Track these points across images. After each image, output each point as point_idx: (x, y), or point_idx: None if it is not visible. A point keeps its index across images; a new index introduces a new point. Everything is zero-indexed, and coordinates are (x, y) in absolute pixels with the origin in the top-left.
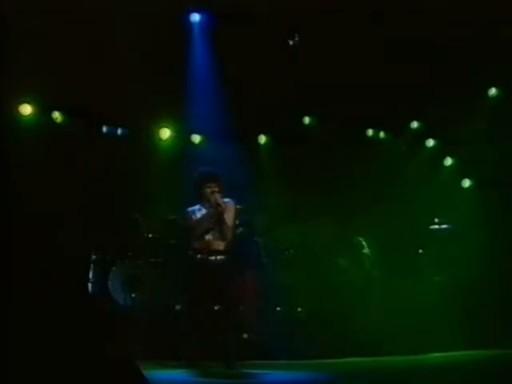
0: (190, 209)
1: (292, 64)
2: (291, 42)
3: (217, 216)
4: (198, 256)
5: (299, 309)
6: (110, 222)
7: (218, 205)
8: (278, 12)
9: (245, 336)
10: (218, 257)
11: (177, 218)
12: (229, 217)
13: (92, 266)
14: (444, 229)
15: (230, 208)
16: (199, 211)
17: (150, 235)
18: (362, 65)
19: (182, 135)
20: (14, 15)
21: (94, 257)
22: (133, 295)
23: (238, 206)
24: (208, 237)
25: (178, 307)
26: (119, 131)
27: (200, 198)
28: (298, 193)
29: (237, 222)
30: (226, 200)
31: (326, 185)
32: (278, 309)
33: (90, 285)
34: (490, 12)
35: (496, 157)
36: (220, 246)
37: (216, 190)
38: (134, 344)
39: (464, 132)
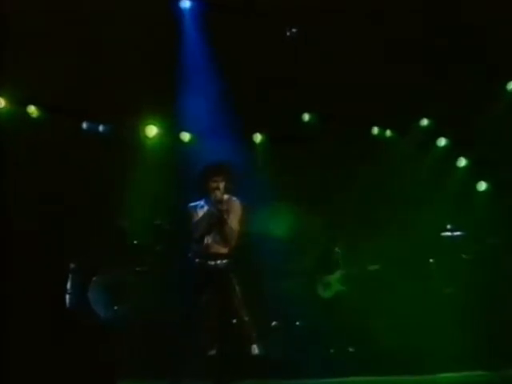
0: (192, 204)
1: (291, 57)
2: (289, 33)
3: (217, 216)
4: (197, 260)
5: (297, 323)
6: (91, 226)
7: (218, 203)
8: (277, 11)
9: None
10: (219, 261)
11: (163, 223)
12: (233, 218)
13: (70, 275)
14: (457, 236)
15: (234, 207)
16: (201, 208)
17: (136, 241)
18: (365, 61)
19: (171, 133)
20: None
21: (72, 265)
22: (115, 308)
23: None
24: (207, 240)
25: (166, 319)
26: (101, 128)
27: (205, 194)
28: (296, 196)
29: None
30: (232, 198)
31: (326, 188)
32: (274, 323)
33: (67, 297)
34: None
35: None
36: (221, 250)
37: (221, 185)
38: (117, 362)
39: (479, 130)
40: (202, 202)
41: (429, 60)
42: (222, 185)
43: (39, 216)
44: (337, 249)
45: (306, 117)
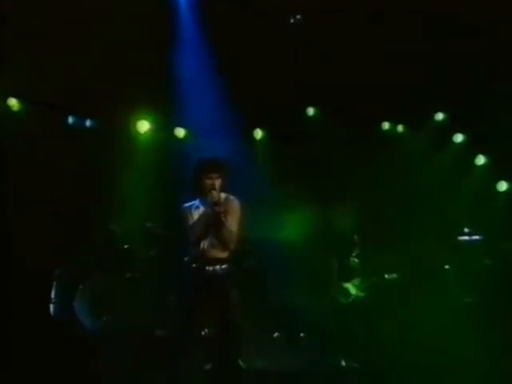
0: (186, 205)
1: (294, 50)
2: (293, 20)
3: (214, 218)
4: (193, 265)
5: (302, 334)
6: (76, 229)
7: (216, 204)
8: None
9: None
10: (217, 266)
11: (156, 226)
12: (232, 219)
13: (54, 282)
14: (475, 240)
15: (233, 208)
16: (196, 209)
17: (126, 245)
18: (374, 56)
19: (164, 128)
20: None
21: (56, 272)
22: (104, 318)
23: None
24: (203, 244)
25: (158, 332)
26: (88, 122)
27: (199, 192)
28: (299, 197)
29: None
30: (230, 198)
31: (332, 188)
32: (276, 334)
33: (51, 306)
34: None
35: None
36: (219, 255)
37: (217, 183)
38: (104, 376)
39: (499, 125)
40: (196, 202)
41: (444, 53)
42: (218, 182)
43: (19, 218)
44: (354, 255)
45: (311, 111)
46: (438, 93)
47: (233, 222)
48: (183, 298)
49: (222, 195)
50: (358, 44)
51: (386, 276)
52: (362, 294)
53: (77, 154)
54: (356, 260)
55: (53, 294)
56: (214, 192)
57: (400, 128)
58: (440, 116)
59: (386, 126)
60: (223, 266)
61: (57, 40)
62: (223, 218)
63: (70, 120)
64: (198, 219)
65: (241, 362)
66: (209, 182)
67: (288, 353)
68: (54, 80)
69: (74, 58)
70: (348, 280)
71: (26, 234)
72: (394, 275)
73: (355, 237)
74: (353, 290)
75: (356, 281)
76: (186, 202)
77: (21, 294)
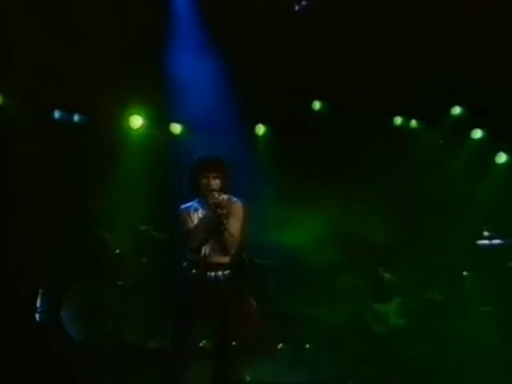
0: (184, 207)
1: (299, 37)
2: (297, 7)
3: (215, 222)
4: (193, 271)
5: (307, 345)
6: (64, 233)
7: (217, 206)
8: None
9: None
10: (220, 272)
11: (150, 229)
12: (234, 223)
13: (41, 291)
14: (496, 245)
15: (235, 210)
16: (195, 211)
17: (118, 250)
18: (385, 41)
19: (159, 124)
20: None
21: (41, 280)
22: (93, 329)
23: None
24: (204, 249)
25: (152, 344)
26: (76, 117)
27: (197, 193)
28: (304, 197)
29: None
30: (232, 199)
31: (341, 187)
32: (281, 345)
33: (37, 316)
34: None
35: None
36: (221, 260)
37: (218, 183)
38: None
39: None
40: (195, 204)
41: (462, 41)
42: (218, 183)
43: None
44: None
45: (317, 105)
46: (455, 84)
47: (235, 225)
48: (180, 307)
49: (224, 196)
50: (367, 32)
51: (431, 295)
52: (402, 321)
53: (63, 152)
54: (388, 274)
55: (38, 303)
56: (215, 193)
57: (413, 123)
58: (457, 110)
59: (398, 120)
60: (225, 272)
61: (42, 30)
62: (225, 222)
63: (57, 115)
64: (199, 223)
65: (245, 376)
66: (208, 182)
67: (293, 366)
68: (39, 72)
69: (60, 48)
70: (384, 301)
71: (7, 238)
72: (438, 295)
73: (381, 239)
74: (393, 318)
75: (394, 303)
76: (184, 203)
77: (4, 301)
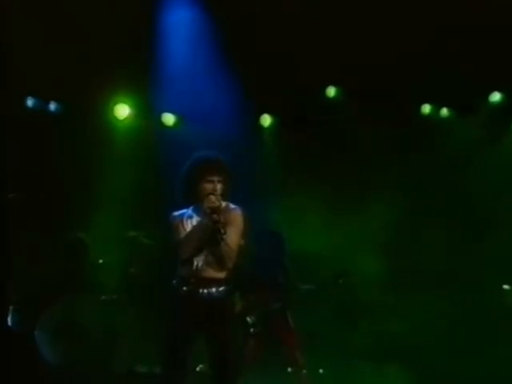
0: (176, 214)
1: (311, 16)
2: None
3: (211, 230)
4: (184, 288)
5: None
6: (38, 240)
7: (214, 211)
8: None
9: None
10: (213, 288)
11: (138, 236)
12: (232, 232)
13: (11, 309)
14: None
15: (234, 219)
16: (189, 219)
17: (100, 260)
18: (411, 20)
19: (149, 114)
20: None
21: (13, 296)
22: (71, 351)
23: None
24: (197, 261)
25: (139, 368)
26: (52, 106)
27: (195, 199)
28: (315, 194)
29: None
30: (230, 206)
31: (357, 185)
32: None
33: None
34: None
35: None
36: (215, 275)
37: (218, 187)
38: None
39: None
40: (189, 211)
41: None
42: (219, 187)
43: None
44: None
45: (332, 92)
46: (493, 68)
47: (233, 236)
48: (171, 327)
49: (222, 203)
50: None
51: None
52: None
53: (38, 145)
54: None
55: (10, 322)
56: (211, 197)
57: (445, 111)
58: (496, 96)
59: (426, 109)
60: (220, 289)
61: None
62: (222, 231)
63: (30, 103)
64: (192, 229)
65: None
66: (209, 186)
67: None
68: (9, 57)
69: (35, 30)
70: None
71: None
72: None
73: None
74: None
75: None
76: (176, 209)
77: None
